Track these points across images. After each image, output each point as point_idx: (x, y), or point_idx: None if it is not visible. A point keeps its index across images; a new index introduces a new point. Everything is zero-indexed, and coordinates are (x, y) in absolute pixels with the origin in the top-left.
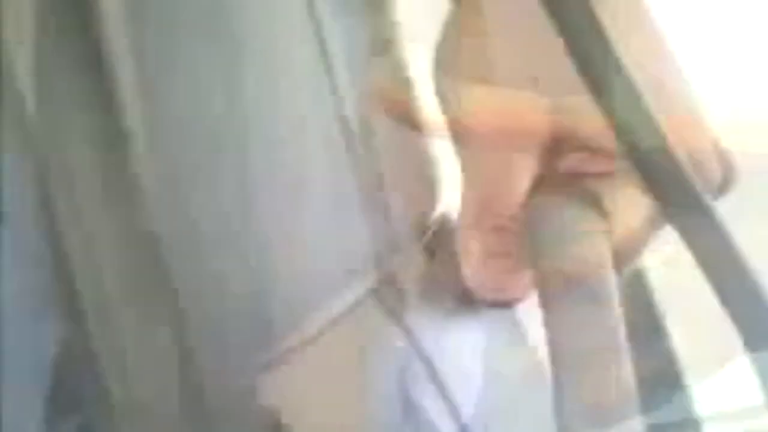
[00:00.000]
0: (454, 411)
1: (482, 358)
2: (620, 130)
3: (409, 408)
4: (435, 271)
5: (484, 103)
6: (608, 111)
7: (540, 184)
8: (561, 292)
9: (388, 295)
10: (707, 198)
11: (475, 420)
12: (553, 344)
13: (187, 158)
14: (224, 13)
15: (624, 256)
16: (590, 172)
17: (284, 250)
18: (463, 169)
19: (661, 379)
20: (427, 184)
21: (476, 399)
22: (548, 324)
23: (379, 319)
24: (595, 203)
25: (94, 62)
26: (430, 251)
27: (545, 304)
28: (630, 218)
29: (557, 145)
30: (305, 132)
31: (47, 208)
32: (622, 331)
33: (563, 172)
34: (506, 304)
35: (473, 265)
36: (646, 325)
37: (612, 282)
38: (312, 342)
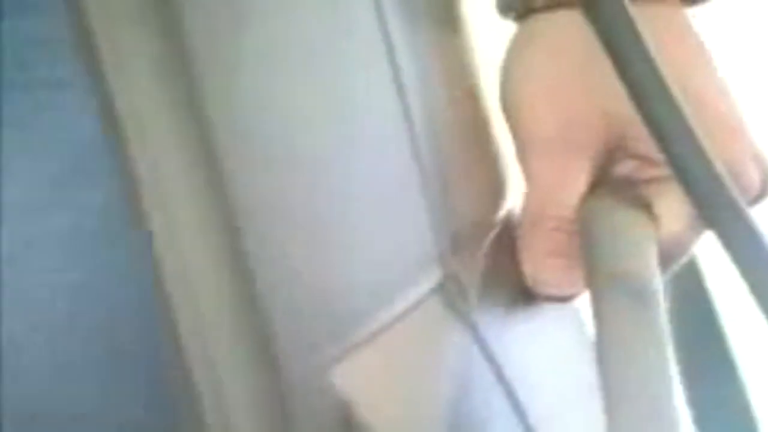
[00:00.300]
0: (519, 409)
1: (545, 355)
2: (660, 140)
3: (475, 405)
4: (498, 267)
5: (545, 112)
6: (649, 122)
7: (595, 189)
8: (609, 292)
9: (452, 293)
10: (744, 204)
11: (541, 418)
12: (600, 340)
13: (265, 157)
14: (298, 32)
15: (670, 256)
16: (642, 178)
17: (353, 246)
18: (525, 174)
19: (714, 369)
20: (494, 183)
21: (541, 397)
22: (597, 321)
23: (444, 316)
24: (646, 207)
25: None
26: (495, 248)
27: (594, 301)
28: (676, 221)
29: (611, 153)
30: (374, 135)
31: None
32: (666, 329)
33: (617, 178)
34: (564, 299)
35: (533, 262)
36: (697, 314)
37: (658, 283)
38: (381, 336)
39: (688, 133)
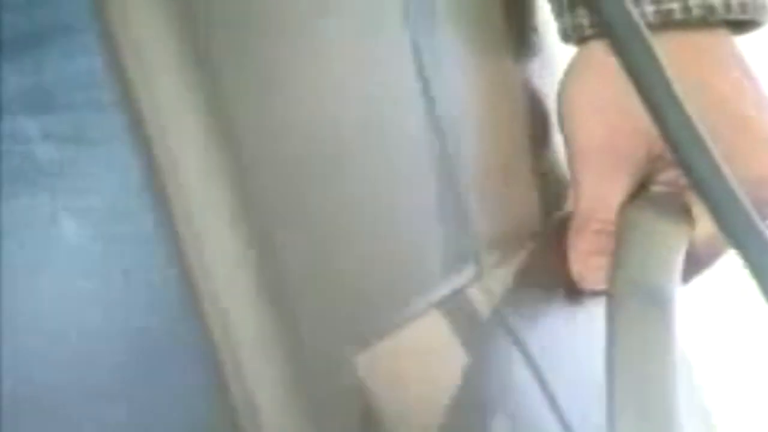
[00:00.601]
0: (559, 414)
1: (589, 354)
2: (678, 158)
3: (506, 400)
4: (543, 267)
5: (593, 126)
6: (667, 141)
7: (639, 195)
8: (628, 296)
9: (485, 291)
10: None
11: (582, 422)
12: (611, 340)
13: (293, 156)
14: (323, 25)
15: (704, 258)
16: (682, 184)
17: (381, 244)
18: (574, 180)
19: None
20: (544, 190)
21: (583, 402)
22: (610, 321)
23: (475, 313)
24: (686, 211)
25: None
26: (543, 248)
27: (611, 303)
28: (712, 224)
29: (654, 162)
30: (402, 143)
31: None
32: (675, 331)
33: (660, 184)
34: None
35: (579, 261)
36: None
37: (676, 293)
38: (406, 328)
39: (704, 152)
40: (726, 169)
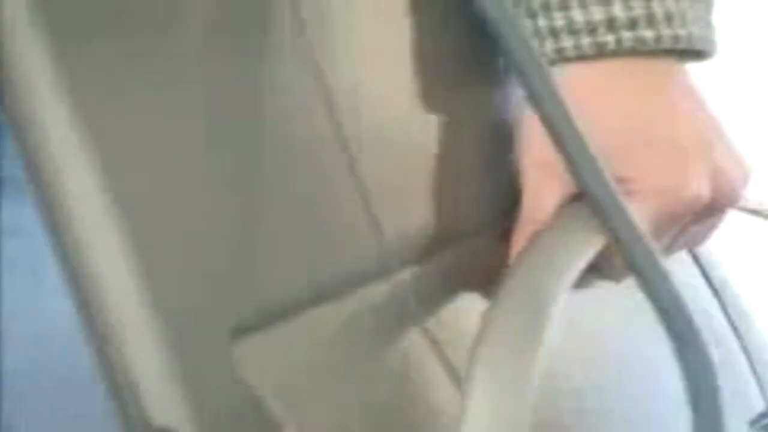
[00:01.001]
0: None
1: None
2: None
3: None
4: (478, 264)
5: (538, 142)
6: (567, 163)
7: (573, 202)
8: (518, 288)
9: (395, 288)
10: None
11: None
12: (489, 319)
13: (176, 159)
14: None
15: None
16: None
17: (281, 231)
18: (521, 185)
19: None
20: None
21: None
22: (493, 306)
23: (380, 309)
24: None
25: None
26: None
27: (500, 288)
28: None
29: None
30: (306, 140)
31: None
32: (547, 335)
33: None
34: None
35: None
36: None
37: (561, 294)
38: (296, 321)
39: (599, 175)
40: (621, 194)
